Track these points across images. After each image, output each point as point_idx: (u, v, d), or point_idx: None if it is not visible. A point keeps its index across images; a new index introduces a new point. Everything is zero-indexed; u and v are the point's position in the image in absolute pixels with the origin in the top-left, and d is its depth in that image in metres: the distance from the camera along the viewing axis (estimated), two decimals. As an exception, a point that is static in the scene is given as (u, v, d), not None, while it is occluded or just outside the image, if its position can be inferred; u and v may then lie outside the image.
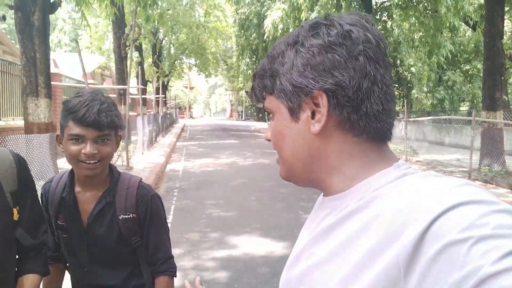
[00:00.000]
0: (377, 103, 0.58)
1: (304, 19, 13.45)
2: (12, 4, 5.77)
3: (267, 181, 8.28)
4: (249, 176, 8.93)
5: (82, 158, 1.21)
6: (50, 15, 6.27)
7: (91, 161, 1.22)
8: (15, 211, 1.17)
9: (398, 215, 0.48)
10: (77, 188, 1.33)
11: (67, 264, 1.44)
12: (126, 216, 1.32)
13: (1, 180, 1.14)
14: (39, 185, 2.75)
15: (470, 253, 0.40)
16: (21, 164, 1.21)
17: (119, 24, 13.75)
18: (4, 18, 2.39)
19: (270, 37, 17.87)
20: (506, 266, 0.38)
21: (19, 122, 7.74)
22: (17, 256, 1.22)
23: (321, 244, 0.59)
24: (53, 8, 6.32)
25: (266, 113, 0.72)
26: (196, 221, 5.35)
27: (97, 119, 1.19)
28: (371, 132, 0.59)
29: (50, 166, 5.06)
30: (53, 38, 36.20)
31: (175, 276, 1.43)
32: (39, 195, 1.36)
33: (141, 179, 1.42)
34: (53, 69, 8.27)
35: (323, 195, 0.66)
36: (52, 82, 6.59)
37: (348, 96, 0.57)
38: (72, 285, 1.44)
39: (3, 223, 1.13)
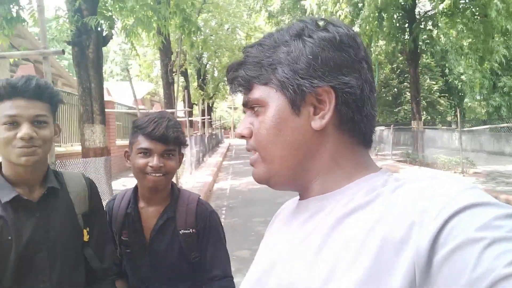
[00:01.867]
0: (373, 108, 0.59)
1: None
2: (70, 40, 6.26)
3: (315, 198, 8.15)
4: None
5: (149, 170, 1.28)
6: (103, 48, 6.73)
7: (157, 174, 1.28)
8: (85, 232, 1.23)
9: (408, 217, 0.46)
10: (141, 204, 1.39)
11: (128, 280, 1.48)
12: (187, 231, 1.36)
13: (74, 202, 1.22)
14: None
15: (484, 254, 0.39)
16: (92, 188, 1.30)
17: (165, 52, 14.41)
18: (63, 52, 2.61)
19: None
20: None
21: (77, 147, 8.26)
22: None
23: (313, 253, 0.53)
24: (106, 41, 6.77)
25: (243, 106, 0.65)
26: (245, 238, 5.37)
27: (165, 134, 1.28)
28: (364, 135, 0.59)
29: (105, 187, 5.32)
30: (106, 68, 38.64)
31: None
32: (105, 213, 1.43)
33: (200, 196, 1.46)
34: (106, 97, 8.79)
35: (301, 198, 0.63)
36: (106, 109, 7.00)
37: (355, 96, 0.56)
38: None
39: (74, 243, 1.20)
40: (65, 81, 14.14)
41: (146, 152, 1.29)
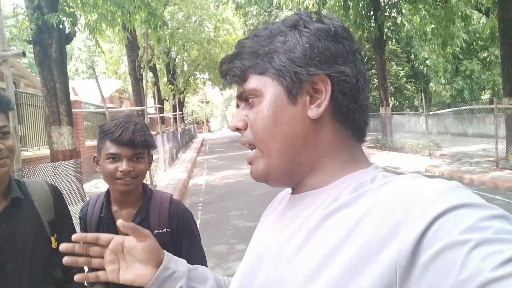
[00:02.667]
0: (366, 99, 0.60)
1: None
2: (31, 39, 6.02)
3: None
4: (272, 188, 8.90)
5: (119, 175, 1.29)
6: (66, 46, 6.52)
7: (127, 178, 1.30)
8: (53, 239, 1.23)
9: (393, 213, 0.46)
10: (114, 207, 1.41)
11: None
12: (161, 231, 1.38)
13: (39, 210, 1.21)
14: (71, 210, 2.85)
15: (470, 257, 0.38)
16: (56, 194, 1.29)
17: (132, 47, 14.08)
18: (24, 54, 2.51)
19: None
20: (507, 271, 0.37)
21: (45, 151, 8.01)
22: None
23: (299, 247, 0.55)
24: (69, 39, 6.56)
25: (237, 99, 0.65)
26: (222, 233, 5.39)
27: (132, 138, 1.29)
28: (357, 127, 0.59)
29: (76, 190, 5.20)
30: (71, 67, 37.42)
31: None
32: (78, 218, 1.45)
33: (172, 195, 1.48)
34: (73, 97, 8.55)
35: (293, 192, 0.63)
36: (72, 110, 6.81)
37: (350, 85, 0.57)
38: None
39: (42, 252, 1.20)
40: (28, 81, 13.60)
41: (115, 157, 1.30)
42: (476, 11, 15.34)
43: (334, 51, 0.56)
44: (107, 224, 1.39)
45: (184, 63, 28.45)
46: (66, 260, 0.72)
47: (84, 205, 1.49)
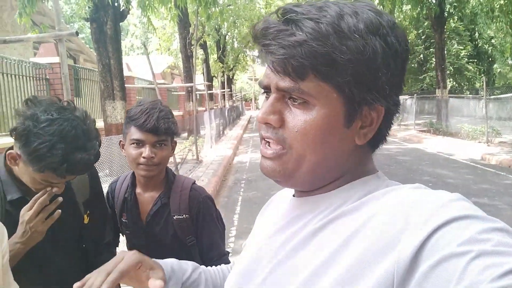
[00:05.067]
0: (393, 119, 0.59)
1: None
2: (88, 17, 6.31)
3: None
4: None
5: (141, 161, 1.33)
6: (120, 23, 6.77)
7: (149, 164, 1.34)
8: (85, 216, 1.32)
9: (394, 223, 0.46)
10: (138, 190, 1.47)
11: None
12: (180, 217, 1.42)
13: (76, 191, 1.30)
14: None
15: (469, 268, 0.38)
16: (93, 175, 1.37)
17: (183, 24, 14.32)
18: (77, 33, 2.65)
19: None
20: (505, 284, 0.36)
21: (100, 123, 8.48)
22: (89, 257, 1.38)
23: (298, 250, 0.54)
24: (123, 16, 6.80)
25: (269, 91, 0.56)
26: (263, 212, 5.48)
27: (156, 125, 1.32)
28: (379, 144, 0.59)
29: (126, 163, 5.48)
30: (126, 43, 38.79)
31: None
32: (106, 193, 1.53)
33: (194, 181, 1.52)
34: (126, 73, 8.91)
35: (297, 195, 0.61)
36: (126, 85, 7.12)
37: (396, 114, 0.56)
38: None
39: (74, 228, 1.30)
40: (87, 57, 14.33)
41: (139, 143, 1.34)
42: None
43: (400, 79, 0.53)
44: (130, 205, 1.45)
45: (235, 40, 28.50)
46: None
47: (113, 181, 1.57)
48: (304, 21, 0.49)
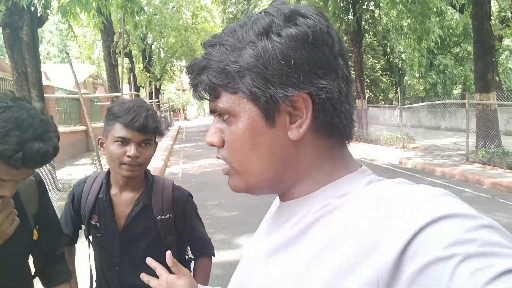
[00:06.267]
0: (350, 104, 0.55)
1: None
2: (0, 21, 5.75)
3: (267, 178, 8.31)
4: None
5: (126, 160, 1.27)
6: (38, 29, 6.26)
7: (133, 163, 1.28)
8: (35, 231, 1.19)
9: (374, 226, 0.45)
10: (113, 191, 1.39)
11: (95, 265, 1.49)
12: (164, 217, 1.38)
13: (24, 203, 1.17)
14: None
15: (457, 273, 0.36)
16: (41, 186, 1.25)
17: (107, 32, 13.68)
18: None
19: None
20: None
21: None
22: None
23: (282, 256, 0.54)
24: (41, 22, 6.31)
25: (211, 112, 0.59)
26: (200, 224, 5.38)
27: (145, 124, 1.27)
28: (342, 134, 0.55)
29: (50, 177, 5.08)
30: (42, 50, 36.01)
31: (214, 256, 1.56)
32: (70, 194, 1.44)
33: (173, 181, 1.49)
34: (44, 82, 8.25)
35: (280, 199, 0.61)
36: (45, 95, 6.58)
37: (332, 99, 0.52)
38: (97, 285, 1.48)
39: (23, 244, 1.17)
40: (-4, 64, 13.02)
41: (124, 141, 1.28)
42: (451, 7, 15.69)
43: (313, 64, 0.51)
44: (103, 206, 1.37)
45: (161, 50, 27.93)
46: None
47: (79, 182, 1.47)
48: (207, 49, 0.55)
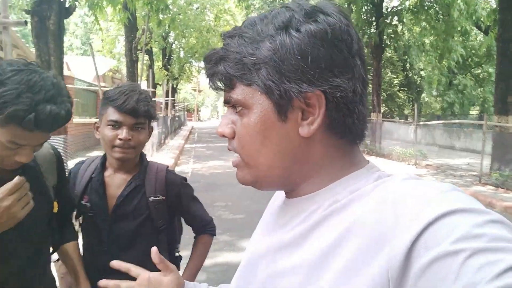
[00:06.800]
0: (364, 106, 0.55)
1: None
2: (29, 9, 5.90)
3: (276, 184, 8.29)
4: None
5: (117, 143, 1.30)
6: (65, 19, 6.41)
7: (125, 146, 1.30)
8: (55, 204, 1.23)
9: (383, 221, 0.45)
10: (108, 172, 1.41)
11: (83, 248, 1.50)
12: (156, 198, 1.40)
13: (45, 175, 1.21)
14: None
15: (464, 267, 0.37)
16: (59, 158, 1.29)
17: (131, 28, 13.90)
18: (26, 23, 2.47)
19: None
20: (505, 283, 0.35)
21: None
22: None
23: (292, 252, 0.54)
24: (68, 12, 6.45)
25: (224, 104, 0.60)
26: (206, 223, 5.40)
27: (135, 107, 1.29)
28: (355, 135, 0.55)
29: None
30: (65, 41, 36.66)
31: (215, 235, 1.58)
32: (69, 174, 1.46)
33: (168, 166, 1.51)
34: (65, 72, 8.42)
35: (286, 196, 0.61)
36: (66, 85, 6.71)
37: (346, 99, 0.52)
38: (86, 265, 1.48)
39: (45, 215, 1.20)
40: (21, 52, 13.32)
41: (116, 125, 1.30)
42: (475, 28, 15.54)
43: (329, 61, 0.51)
44: (96, 186, 1.39)
45: (181, 49, 28.20)
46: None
47: (78, 163, 1.50)
48: (226, 40, 0.56)
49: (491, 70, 19.07)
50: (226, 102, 0.57)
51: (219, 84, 0.56)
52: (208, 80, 0.58)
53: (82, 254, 1.42)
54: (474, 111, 23.73)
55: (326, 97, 0.52)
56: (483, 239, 0.38)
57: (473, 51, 20.43)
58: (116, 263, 0.82)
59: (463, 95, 21.47)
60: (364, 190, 0.51)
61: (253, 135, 0.54)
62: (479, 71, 22.83)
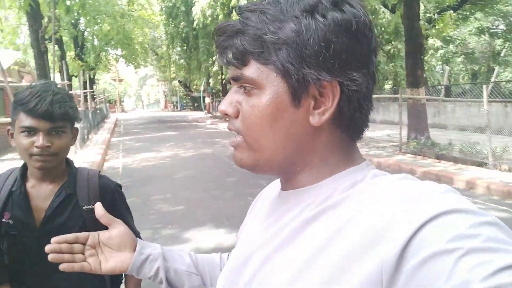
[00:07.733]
0: (371, 103, 0.55)
1: (232, 6, 13.34)
2: None
3: (213, 171, 8.26)
4: (194, 167, 8.83)
5: (35, 151, 1.16)
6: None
7: (45, 154, 1.17)
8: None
9: (378, 219, 0.45)
10: (30, 183, 1.26)
11: (11, 273, 1.31)
12: (90, 207, 1.26)
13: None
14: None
15: (458, 266, 0.37)
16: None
17: (34, 16, 12.59)
18: None
19: (200, 25, 17.56)
20: (497, 283, 0.35)
21: None
22: None
23: (285, 247, 0.53)
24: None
25: (228, 82, 0.57)
26: (146, 218, 5.19)
27: (50, 110, 1.15)
28: (357, 130, 0.56)
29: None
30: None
31: None
32: None
33: (100, 171, 1.39)
34: (-37, 69, 7.40)
35: (282, 188, 0.60)
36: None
37: (359, 93, 0.52)
38: None
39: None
40: None
41: (30, 131, 1.17)
42: (383, 7, 16.58)
43: (350, 54, 0.50)
44: (18, 200, 1.24)
45: (95, 37, 26.38)
46: (51, 256, 0.76)
47: None
48: (244, 14, 0.53)
49: (400, 46, 20.61)
50: (235, 79, 0.54)
51: (231, 59, 0.53)
52: (218, 53, 0.55)
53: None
54: (388, 85, 25.58)
55: (342, 89, 0.51)
56: (478, 239, 0.38)
57: (382, 29, 21.88)
58: (53, 241, 0.79)
59: (378, 71, 22.98)
60: (360, 187, 0.51)
61: (263, 117, 0.52)
62: (390, 47, 24.58)
